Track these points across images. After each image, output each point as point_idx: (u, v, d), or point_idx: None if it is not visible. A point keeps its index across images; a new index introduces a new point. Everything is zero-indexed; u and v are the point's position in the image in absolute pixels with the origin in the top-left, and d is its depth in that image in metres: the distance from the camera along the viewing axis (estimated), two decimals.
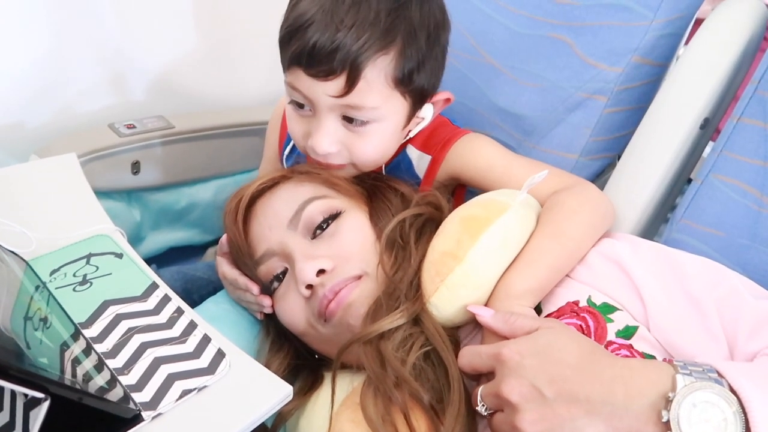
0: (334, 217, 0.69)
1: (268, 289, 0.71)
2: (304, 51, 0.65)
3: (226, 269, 0.75)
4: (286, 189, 0.73)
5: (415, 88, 0.70)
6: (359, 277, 0.66)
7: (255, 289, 0.72)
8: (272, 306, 0.71)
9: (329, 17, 0.64)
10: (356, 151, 0.71)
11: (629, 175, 0.79)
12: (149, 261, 1.09)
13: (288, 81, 0.69)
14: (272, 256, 0.70)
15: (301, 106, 0.71)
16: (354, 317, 0.64)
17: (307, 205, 0.69)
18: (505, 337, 0.57)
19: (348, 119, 0.69)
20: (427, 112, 0.76)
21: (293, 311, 0.68)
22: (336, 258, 0.66)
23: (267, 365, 0.69)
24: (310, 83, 0.67)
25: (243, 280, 0.73)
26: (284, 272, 0.69)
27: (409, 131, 0.77)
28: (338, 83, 0.66)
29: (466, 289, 0.62)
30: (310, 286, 0.65)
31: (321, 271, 0.65)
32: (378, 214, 0.71)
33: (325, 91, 0.66)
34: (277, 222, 0.70)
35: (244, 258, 0.72)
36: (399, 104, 0.70)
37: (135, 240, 1.10)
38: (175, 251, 1.17)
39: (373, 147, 0.72)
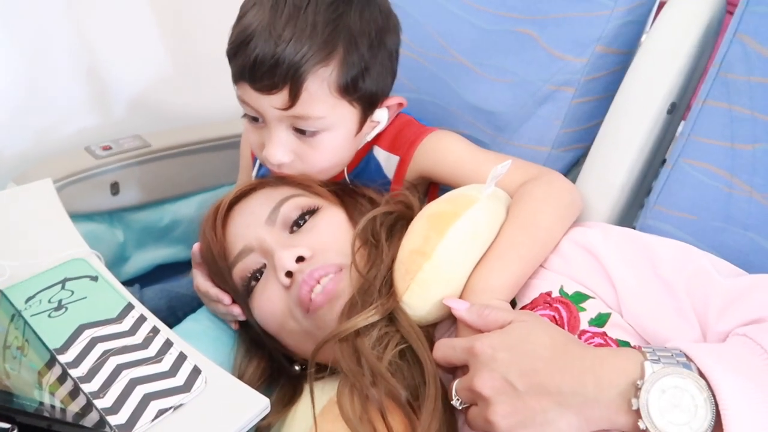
0: (311, 212, 0.70)
1: (245, 291, 0.71)
2: (247, 66, 0.66)
3: (200, 281, 0.76)
4: (263, 192, 0.74)
5: (363, 94, 0.71)
6: (341, 269, 0.66)
7: (226, 299, 0.72)
8: (243, 313, 0.72)
9: (268, 31, 0.65)
10: (309, 160, 0.72)
11: (600, 164, 0.79)
12: (135, 280, 1.09)
13: (238, 95, 0.71)
14: (249, 252, 0.70)
15: (254, 118, 0.72)
16: (338, 309, 0.64)
17: (284, 203, 0.70)
18: (480, 331, 0.57)
19: (299, 130, 0.70)
20: (382, 116, 0.77)
21: (272, 302, 0.68)
22: (314, 249, 0.67)
23: (241, 375, 0.69)
24: (256, 97, 0.68)
25: (215, 291, 0.73)
26: (261, 270, 0.70)
27: (365, 136, 0.77)
28: (282, 96, 0.67)
29: (437, 285, 0.62)
30: (289, 274, 0.66)
31: (300, 259, 0.66)
32: (353, 214, 0.72)
33: (270, 104, 0.67)
34: (254, 220, 0.71)
35: (218, 264, 0.72)
36: (347, 112, 0.71)
37: (120, 260, 1.10)
38: (161, 269, 1.17)
39: (325, 156, 0.73)
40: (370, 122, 0.76)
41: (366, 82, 0.70)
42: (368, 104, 0.73)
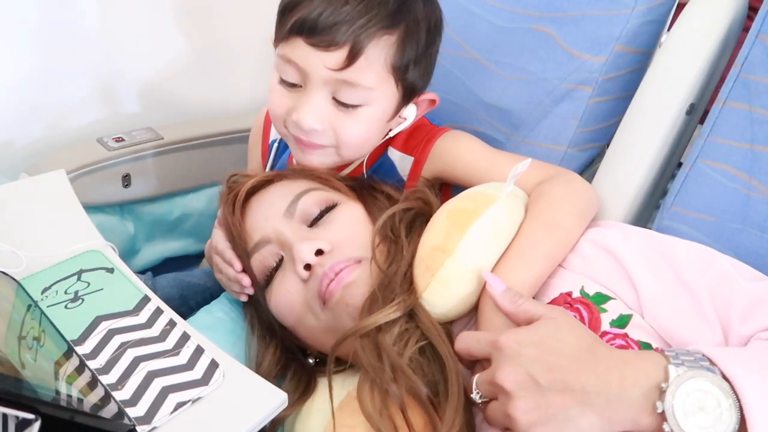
0: (329, 206, 0.70)
1: (264, 282, 0.70)
2: (308, 19, 0.64)
3: (219, 240, 0.74)
4: (281, 185, 0.74)
5: (409, 81, 0.71)
6: (359, 261, 0.66)
7: (237, 265, 0.71)
8: (252, 286, 0.71)
9: None
10: (343, 132, 0.70)
11: (617, 164, 0.79)
12: (146, 271, 1.09)
13: (282, 53, 0.68)
14: (267, 244, 0.70)
15: (291, 84, 0.69)
16: (353, 297, 0.64)
17: (302, 195, 0.70)
18: (508, 319, 0.57)
19: (339, 102, 0.69)
20: (410, 112, 0.76)
21: (290, 295, 0.68)
22: (333, 242, 0.66)
23: (260, 363, 0.69)
24: (308, 53, 0.66)
25: (230, 253, 0.72)
26: (278, 265, 0.69)
27: (390, 129, 0.77)
28: (339, 55, 0.65)
29: (458, 282, 0.62)
30: (308, 267, 0.65)
31: (319, 252, 0.66)
32: (371, 209, 0.71)
33: (323, 62, 0.65)
34: (272, 212, 0.70)
35: (237, 246, 0.71)
36: (391, 92, 0.70)
37: (130, 252, 1.10)
38: (171, 262, 1.17)
39: (359, 130, 0.71)
40: (398, 117, 0.75)
41: (415, 70, 0.70)
42: (408, 93, 0.73)
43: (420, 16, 0.69)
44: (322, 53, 0.65)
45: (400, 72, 0.69)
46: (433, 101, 0.77)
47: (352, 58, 0.65)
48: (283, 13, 0.68)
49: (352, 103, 0.68)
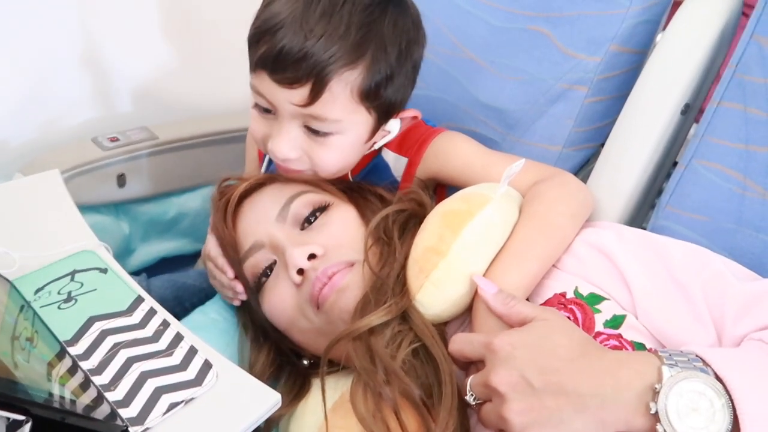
0: (322, 209, 0.70)
1: (255, 286, 0.70)
2: (271, 55, 0.64)
3: (212, 247, 0.74)
4: (273, 188, 0.73)
5: (382, 103, 0.70)
6: (352, 265, 0.66)
7: (230, 272, 0.71)
8: (249, 298, 0.71)
9: (299, 24, 0.63)
10: (316, 159, 0.71)
11: (613, 164, 0.79)
12: (141, 272, 1.09)
13: (252, 84, 0.68)
14: (260, 248, 0.69)
15: (266, 110, 0.70)
16: (347, 301, 0.64)
17: (294, 199, 0.70)
18: (501, 321, 0.57)
19: (311, 129, 0.69)
20: (394, 126, 0.75)
21: (282, 300, 0.68)
22: (326, 246, 0.66)
23: (252, 364, 0.69)
24: (273, 89, 0.66)
25: (222, 261, 0.72)
26: (271, 267, 0.69)
27: (374, 143, 0.76)
28: (302, 92, 0.65)
29: (452, 283, 0.61)
30: (301, 272, 0.65)
31: (312, 257, 0.65)
32: (364, 212, 0.71)
33: (288, 98, 0.65)
34: (264, 216, 0.70)
35: (229, 254, 0.71)
36: (363, 118, 0.70)
37: (125, 252, 1.10)
38: (166, 262, 1.17)
39: (333, 157, 0.71)
40: (381, 131, 0.75)
41: (387, 91, 0.69)
42: (385, 113, 0.72)
43: (387, 39, 0.67)
44: (286, 89, 0.65)
45: (369, 98, 0.68)
46: (415, 117, 0.77)
47: (315, 95, 0.64)
48: (250, 44, 0.68)
49: (324, 131, 0.68)
